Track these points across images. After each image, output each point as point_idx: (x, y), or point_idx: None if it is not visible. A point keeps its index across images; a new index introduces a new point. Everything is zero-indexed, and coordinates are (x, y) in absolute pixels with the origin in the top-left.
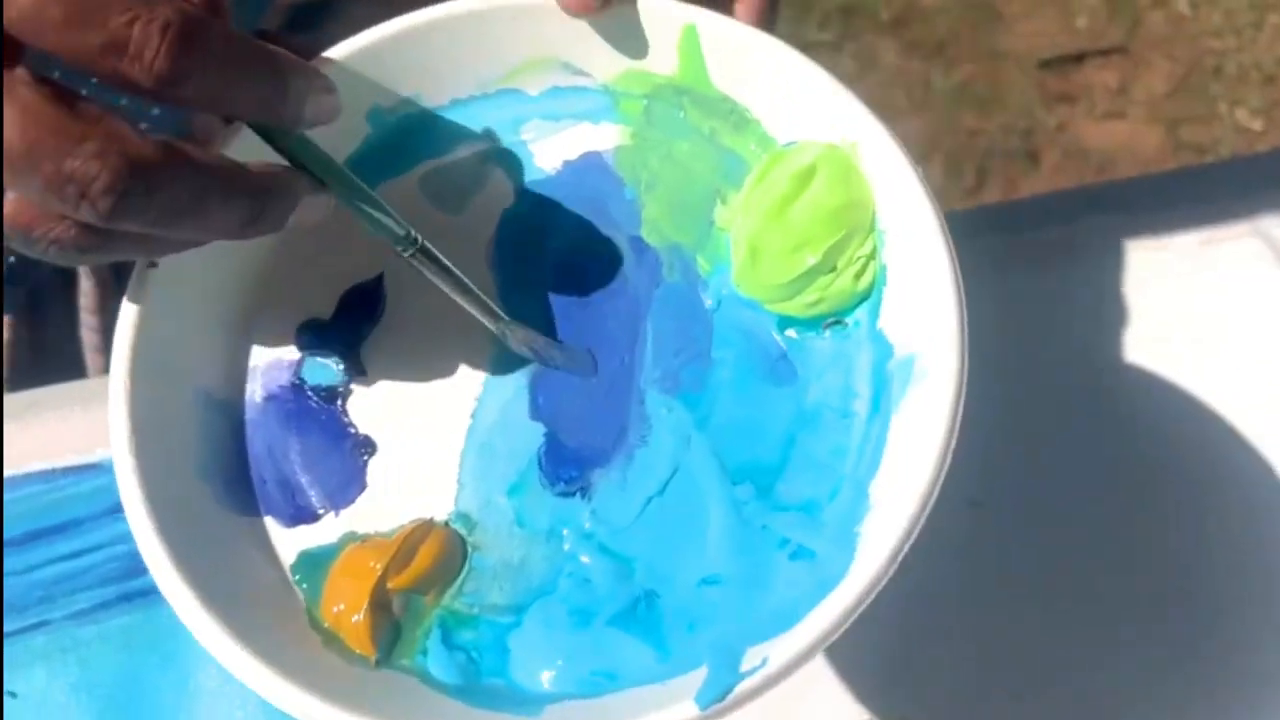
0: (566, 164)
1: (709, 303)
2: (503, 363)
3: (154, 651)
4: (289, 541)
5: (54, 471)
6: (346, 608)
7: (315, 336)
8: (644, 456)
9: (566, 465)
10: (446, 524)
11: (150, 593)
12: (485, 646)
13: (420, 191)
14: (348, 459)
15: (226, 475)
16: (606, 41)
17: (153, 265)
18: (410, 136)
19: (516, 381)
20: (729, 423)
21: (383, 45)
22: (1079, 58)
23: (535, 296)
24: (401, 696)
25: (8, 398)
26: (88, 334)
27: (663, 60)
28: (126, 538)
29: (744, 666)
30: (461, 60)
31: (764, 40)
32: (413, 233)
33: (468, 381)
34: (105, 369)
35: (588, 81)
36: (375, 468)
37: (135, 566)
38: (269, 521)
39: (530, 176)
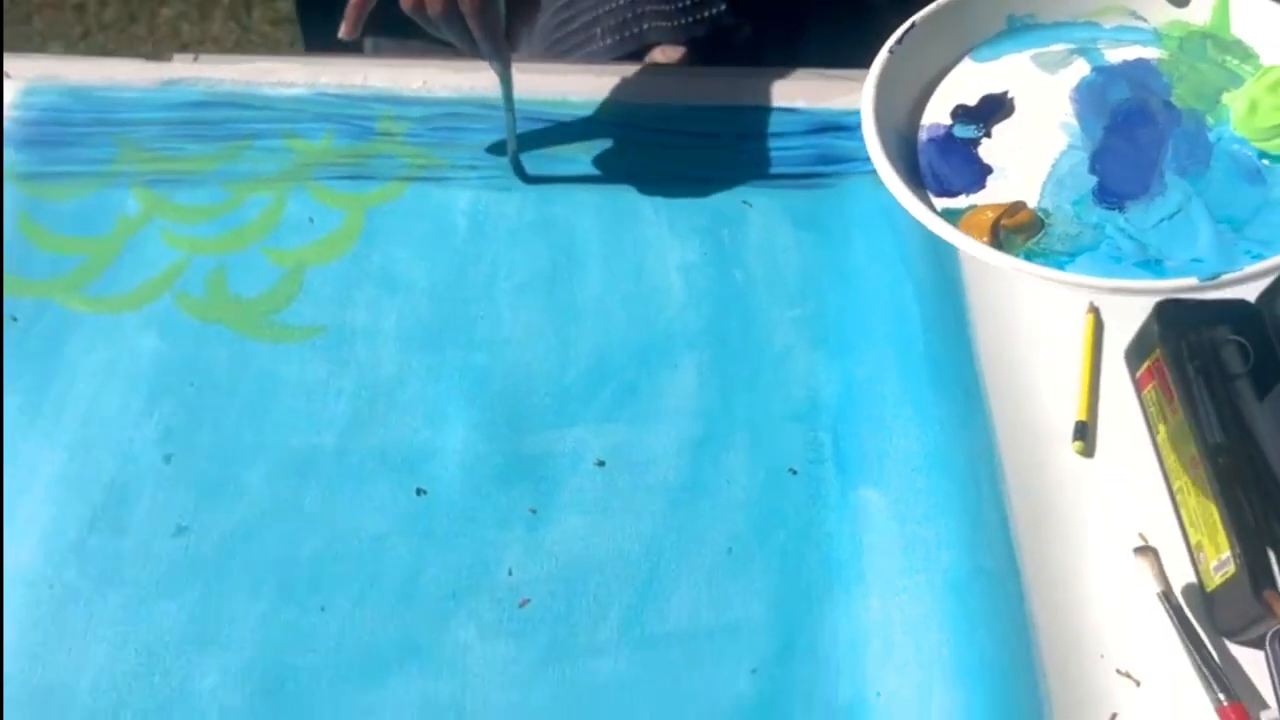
0: (1125, 61)
1: (1211, 138)
2: (1066, 153)
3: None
4: (940, 205)
5: None
6: (975, 234)
7: (964, 114)
8: (1160, 199)
9: (1110, 195)
10: (1039, 213)
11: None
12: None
13: (1031, 63)
14: (974, 172)
15: (908, 172)
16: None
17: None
18: (1028, 32)
19: (1078, 155)
20: (1217, 195)
21: None
22: None
23: (1103, 124)
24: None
25: None
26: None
27: (1199, 14)
28: None
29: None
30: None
31: (1266, 4)
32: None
33: (1047, 153)
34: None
35: (1144, 25)
36: (990, 181)
37: None
38: (930, 195)
39: (1099, 63)
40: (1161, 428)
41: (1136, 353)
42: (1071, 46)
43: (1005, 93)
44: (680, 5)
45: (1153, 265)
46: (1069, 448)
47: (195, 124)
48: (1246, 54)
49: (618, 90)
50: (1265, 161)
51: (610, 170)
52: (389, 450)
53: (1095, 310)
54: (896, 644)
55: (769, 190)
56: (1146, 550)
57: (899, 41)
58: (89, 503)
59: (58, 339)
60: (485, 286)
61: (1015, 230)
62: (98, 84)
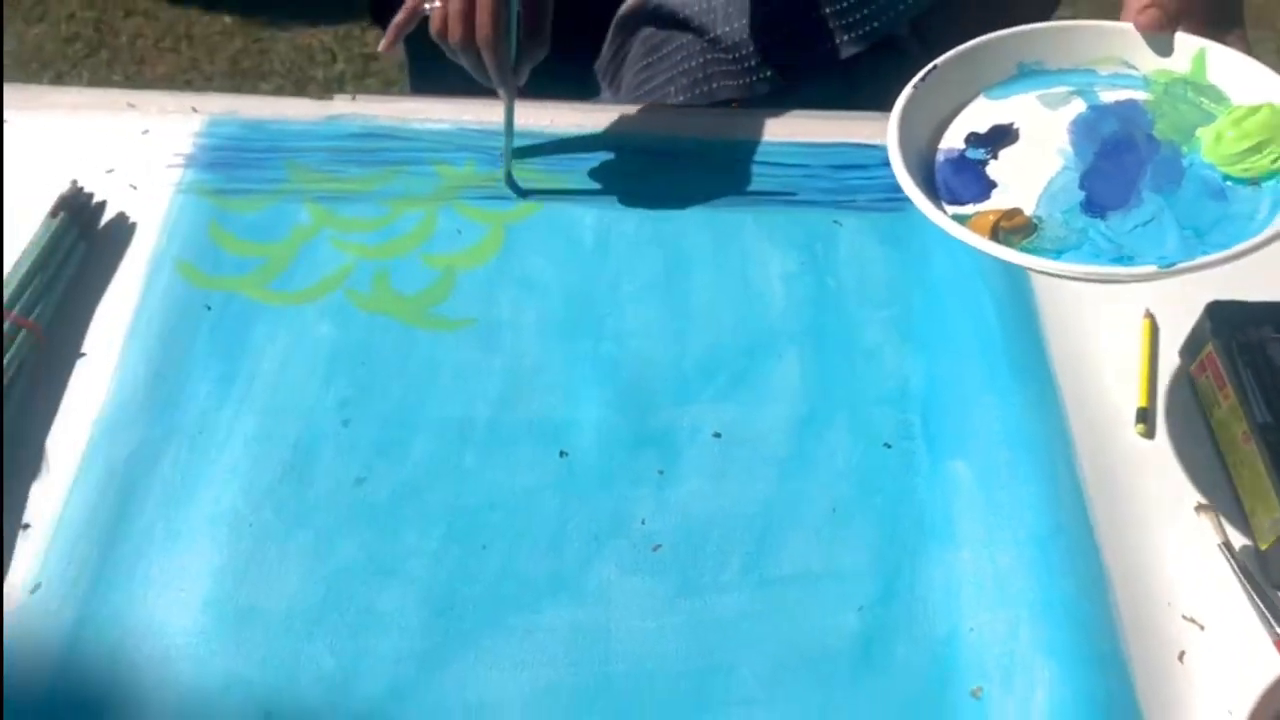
0: (1116, 101)
1: (1185, 164)
2: (1061, 174)
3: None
4: (951, 211)
5: None
6: (979, 232)
7: (976, 140)
8: (1137, 210)
9: (1094, 206)
10: (1033, 219)
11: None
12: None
13: (1037, 101)
14: (981, 186)
15: (926, 182)
16: (1151, 50)
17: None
18: (1035, 76)
19: (1070, 175)
20: (1185, 209)
21: (1036, 33)
22: None
23: (1094, 150)
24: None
25: None
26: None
27: (1181, 63)
28: None
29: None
30: (1070, 49)
31: (1237, 57)
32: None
33: (1044, 173)
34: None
35: (1135, 72)
36: (995, 194)
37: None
38: (943, 204)
39: (1094, 102)
40: (1215, 411)
41: (1190, 349)
42: (1071, 89)
43: (1012, 124)
44: (746, 65)
45: (1125, 260)
46: (1133, 430)
47: (355, 151)
48: (1219, 97)
49: (718, 128)
50: (1228, 183)
51: (716, 193)
52: (534, 421)
53: (1151, 316)
54: (986, 589)
55: (856, 213)
56: (1207, 509)
57: (922, 79)
58: (279, 458)
59: (246, 325)
60: (610, 289)
61: (1012, 231)
62: (270, 118)
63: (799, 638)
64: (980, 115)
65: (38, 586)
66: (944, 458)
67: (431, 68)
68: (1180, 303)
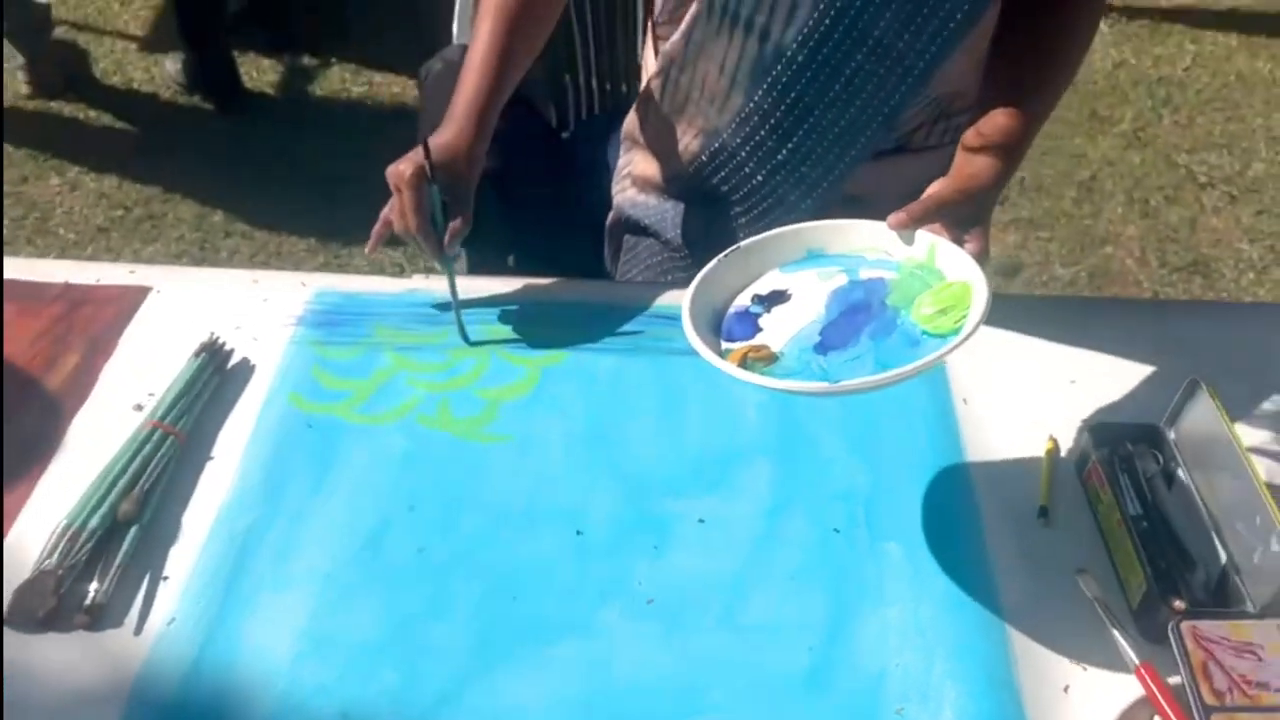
0: (869, 278)
1: (899, 322)
2: (810, 324)
3: None
4: (724, 347)
5: None
6: (732, 360)
7: (758, 300)
8: (851, 349)
9: (823, 347)
10: (776, 353)
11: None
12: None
13: (815, 275)
14: (751, 330)
15: (712, 332)
16: (902, 243)
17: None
18: (818, 258)
19: (815, 325)
20: (888, 351)
21: (822, 227)
22: None
23: (839, 310)
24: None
25: None
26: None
27: (920, 253)
28: None
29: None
30: (846, 240)
31: (955, 249)
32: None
33: (799, 323)
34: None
35: (891, 258)
36: (759, 336)
37: None
38: (721, 343)
39: (854, 278)
40: (1099, 505)
41: (1080, 461)
42: (841, 268)
43: (787, 290)
44: (689, 261)
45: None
46: (1036, 521)
47: (425, 315)
48: (939, 277)
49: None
50: (924, 336)
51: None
52: (557, 508)
53: (1054, 439)
54: (910, 636)
55: None
56: (1087, 574)
57: (725, 256)
58: (359, 533)
59: (338, 438)
60: (620, 414)
61: (758, 360)
62: (361, 290)
63: (761, 669)
64: (770, 283)
65: (172, 620)
66: (881, 540)
67: (484, 260)
68: (1074, 426)
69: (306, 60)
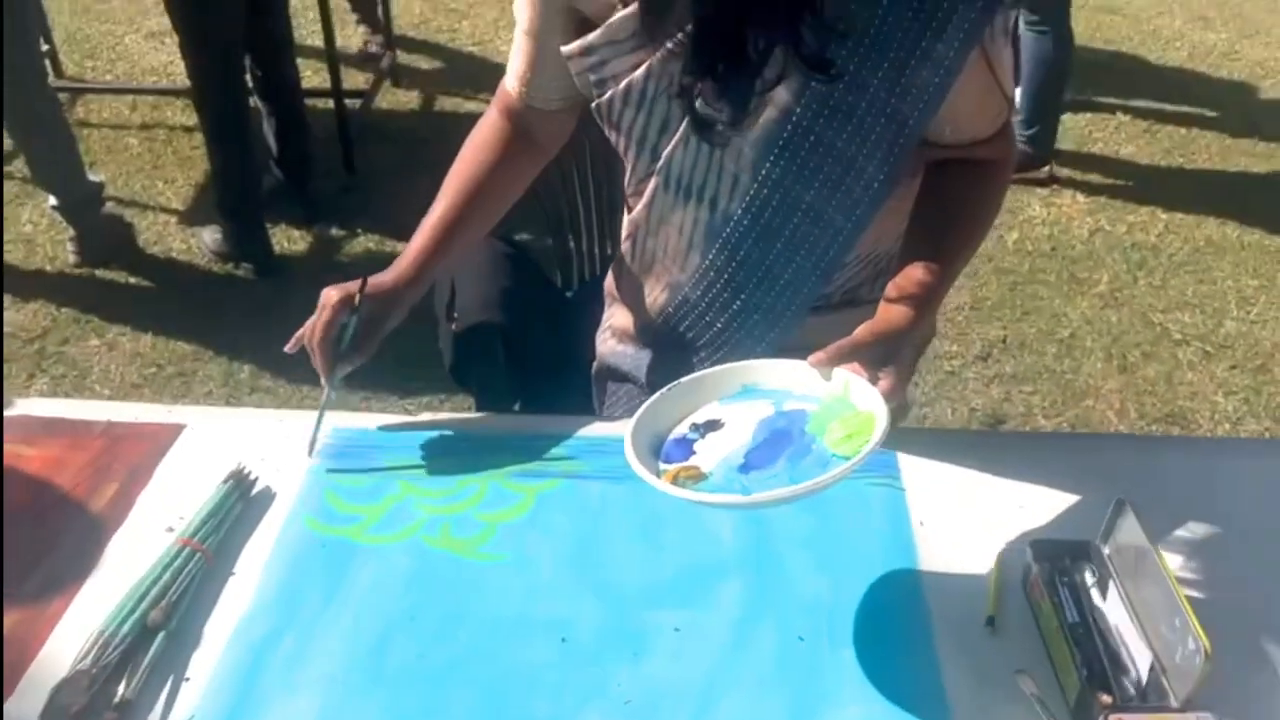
0: (793, 409)
1: (814, 447)
2: (737, 449)
3: None
4: (662, 468)
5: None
6: (666, 479)
7: (695, 428)
8: (769, 469)
9: (747, 468)
10: (705, 473)
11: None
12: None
13: (747, 407)
14: (686, 453)
15: (654, 456)
16: (820, 379)
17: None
18: (753, 392)
19: (741, 449)
20: (800, 471)
21: (755, 365)
22: None
23: (764, 437)
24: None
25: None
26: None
27: (837, 389)
28: None
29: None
30: (778, 376)
31: (866, 385)
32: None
33: (728, 448)
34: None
35: (814, 394)
36: (693, 459)
37: None
38: (660, 465)
39: (780, 409)
40: (1040, 615)
41: (1024, 574)
42: (771, 400)
43: (721, 419)
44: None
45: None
46: (983, 630)
47: (434, 448)
48: (852, 408)
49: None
50: (834, 458)
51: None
52: (545, 618)
53: (1000, 558)
54: None
55: None
56: (1026, 675)
57: (668, 390)
58: (365, 641)
59: (349, 557)
60: (606, 536)
61: (688, 479)
62: (373, 427)
63: None
64: (708, 413)
65: (192, 717)
66: (841, 647)
67: (493, 405)
68: (1020, 544)
69: (335, 231)
